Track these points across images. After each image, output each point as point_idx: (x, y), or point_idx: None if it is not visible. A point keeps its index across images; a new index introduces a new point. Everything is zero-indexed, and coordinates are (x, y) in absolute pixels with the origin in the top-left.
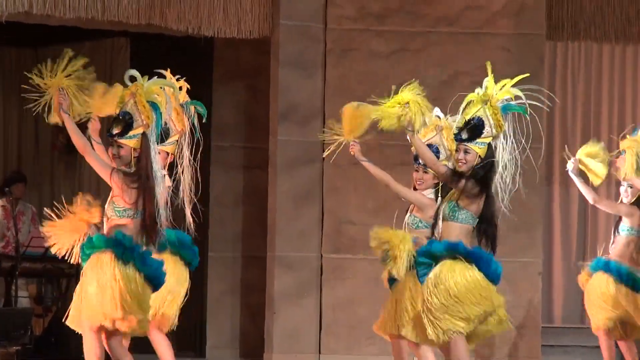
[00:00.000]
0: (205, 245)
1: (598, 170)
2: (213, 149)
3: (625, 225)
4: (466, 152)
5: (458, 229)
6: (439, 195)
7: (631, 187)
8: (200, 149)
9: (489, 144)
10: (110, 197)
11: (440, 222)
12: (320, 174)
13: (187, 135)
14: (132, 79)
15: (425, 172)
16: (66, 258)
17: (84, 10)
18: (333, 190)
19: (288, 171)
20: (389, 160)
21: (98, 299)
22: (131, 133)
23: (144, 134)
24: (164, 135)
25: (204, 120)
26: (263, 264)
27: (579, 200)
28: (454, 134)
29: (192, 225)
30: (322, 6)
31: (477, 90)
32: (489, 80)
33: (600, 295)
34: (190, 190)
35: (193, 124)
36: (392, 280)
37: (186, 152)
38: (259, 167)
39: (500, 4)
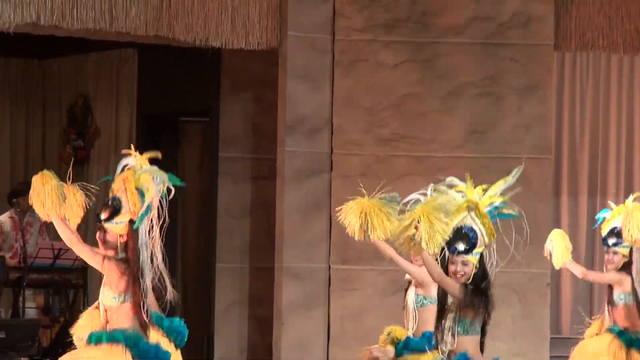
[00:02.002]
0: (213, 257)
1: (562, 254)
2: (221, 160)
3: (619, 294)
4: (464, 264)
5: (472, 342)
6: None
7: (615, 254)
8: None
9: (481, 253)
10: (103, 285)
11: (450, 339)
12: (328, 185)
13: (156, 212)
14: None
15: None
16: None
17: (91, 21)
18: (341, 201)
19: (296, 182)
20: (397, 170)
21: None
22: (117, 219)
23: (131, 221)
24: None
25: (172, 195)
26: (271, 275)
27: (587, 211)
28: (447, 245)
29: (174, 298)
30: (329, 17)
31: (452, 193)
32: (467, 188)
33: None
34: (165, 264)
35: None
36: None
37: (157, 230)
38: (266, 178)
39: (508, 14)
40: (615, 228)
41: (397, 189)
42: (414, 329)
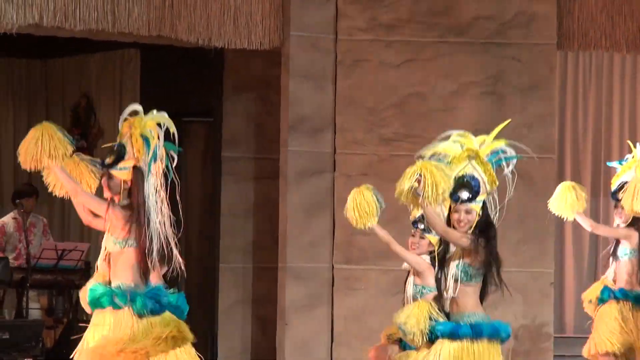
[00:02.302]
0: (216, 256)
1: (571, 206)
2: (224, 160)
3: (625, 248)
4: (468, 212)
5: (474, 289)
6: (435, 262)
7: (624, 209)
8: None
9: (484, 201)
10: (106, 232)
11: (451, 286)
12: (331, 185)
13: (161, 177)
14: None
15: (422, 238)
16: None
17: (94, 22)
18: (344, 201)
19: (299, 182)
20: (400, 170)
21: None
22: (121, 165)
23: (135, 167)
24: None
25: (174, 163)
26: (274, 275)
27: (591, 209)
28: (450, 194)
29: (182, 264)
30: (332, 17)
31: (452, 144)
32: (466, 137)
33: (614, 321)
34: (173, 229)
35: (167, 167)
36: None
37: (162, 193)
38: (269, 177)
39: (510, 14)
40: (625, 183)
41: None
42: None
